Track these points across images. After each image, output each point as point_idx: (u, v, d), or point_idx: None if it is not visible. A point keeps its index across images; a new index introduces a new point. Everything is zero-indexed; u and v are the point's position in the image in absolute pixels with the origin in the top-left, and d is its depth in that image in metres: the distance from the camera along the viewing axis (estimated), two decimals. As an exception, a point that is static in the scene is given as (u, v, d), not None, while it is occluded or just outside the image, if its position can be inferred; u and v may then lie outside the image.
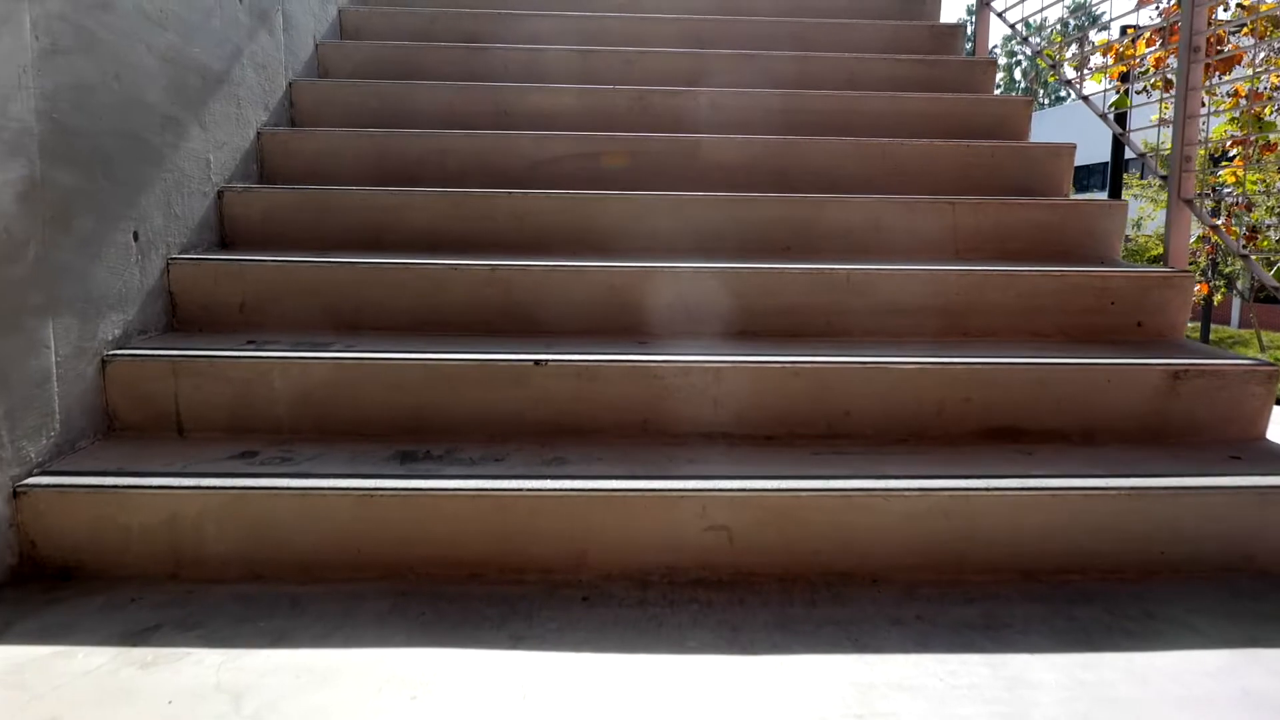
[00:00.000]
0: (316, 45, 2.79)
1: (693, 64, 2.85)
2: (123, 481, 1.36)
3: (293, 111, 2.55)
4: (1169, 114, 2.11)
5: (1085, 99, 2.57)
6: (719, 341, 1.80)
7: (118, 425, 1.59)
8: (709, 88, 2.64)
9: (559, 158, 2.35)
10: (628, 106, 2.59)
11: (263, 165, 2.33)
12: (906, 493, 1.38)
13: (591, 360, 1.61)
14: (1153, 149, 2.30)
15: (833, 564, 1.38)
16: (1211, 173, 6.06)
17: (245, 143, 2.23)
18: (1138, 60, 5.17)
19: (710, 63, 2.85)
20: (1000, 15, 3.06)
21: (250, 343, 1.73)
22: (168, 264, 1.81)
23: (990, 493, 1.39)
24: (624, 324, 1.85)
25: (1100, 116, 2.50)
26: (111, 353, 1.59)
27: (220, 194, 2.07)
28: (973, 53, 3.24)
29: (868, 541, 1.38)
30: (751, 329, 1.86)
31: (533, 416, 1.61)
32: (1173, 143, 2.03)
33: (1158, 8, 6.10)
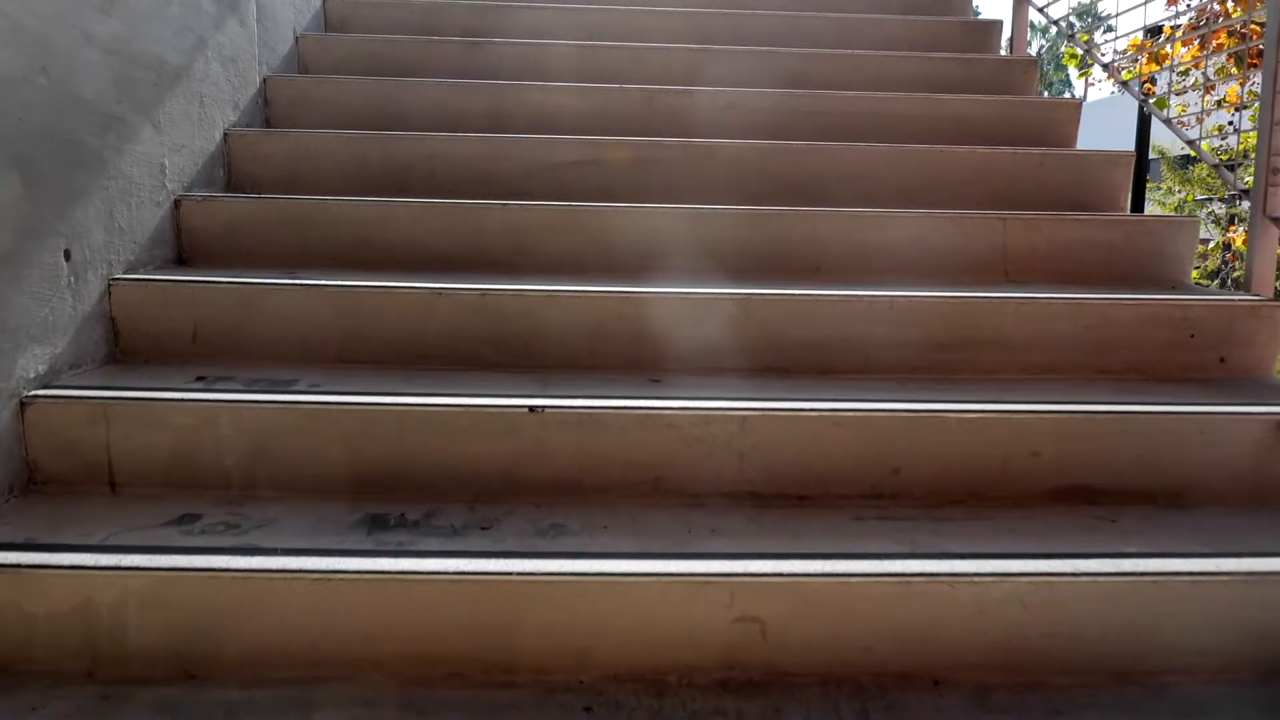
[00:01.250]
0: (297, 38, 2.55)
1: (705, 61, 2.61)
2: (28, 559, 1.12)
3: (267, 111, 2.32)
4: (1222, 116, 1.89)
5: (1143, 100, 2.33)
6: (743, 380, 1.56)
7: (39, 479, 1.36)
8: (724, 87, 2.40)
9: (560, 164, 2.11)
10: (636, 107, 2.35)
11: (230, 171, 2.09)
12: (976, 578, 1.15)
13: (597, 407, 1.37)
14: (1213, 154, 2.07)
15: (886, 663, 1.14)
16: None
17: (210, 145, 1.99)
18: (1172, 60, 4.93)
19: (725, 60, 2.61)
20: (1042, 10, 2.82)
21: (200, 379, 1.49)
22: (109, 286, 1.57)
23: (1078, 578, 1.15)
24: (633, 358, 1.62)
25: (1165, 122, 2.26)
26: (33, 393, 1.36)
27: (177, 203, 1.83)
28: (1010, 51, 3.00)
29: (928, 636, 1.14)
30: (779, 364, 1.62)
31: (527, 472, 1.37)
32: (1257, 152, 1.79)
33: (1187, 5, 5.86)
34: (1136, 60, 4.19)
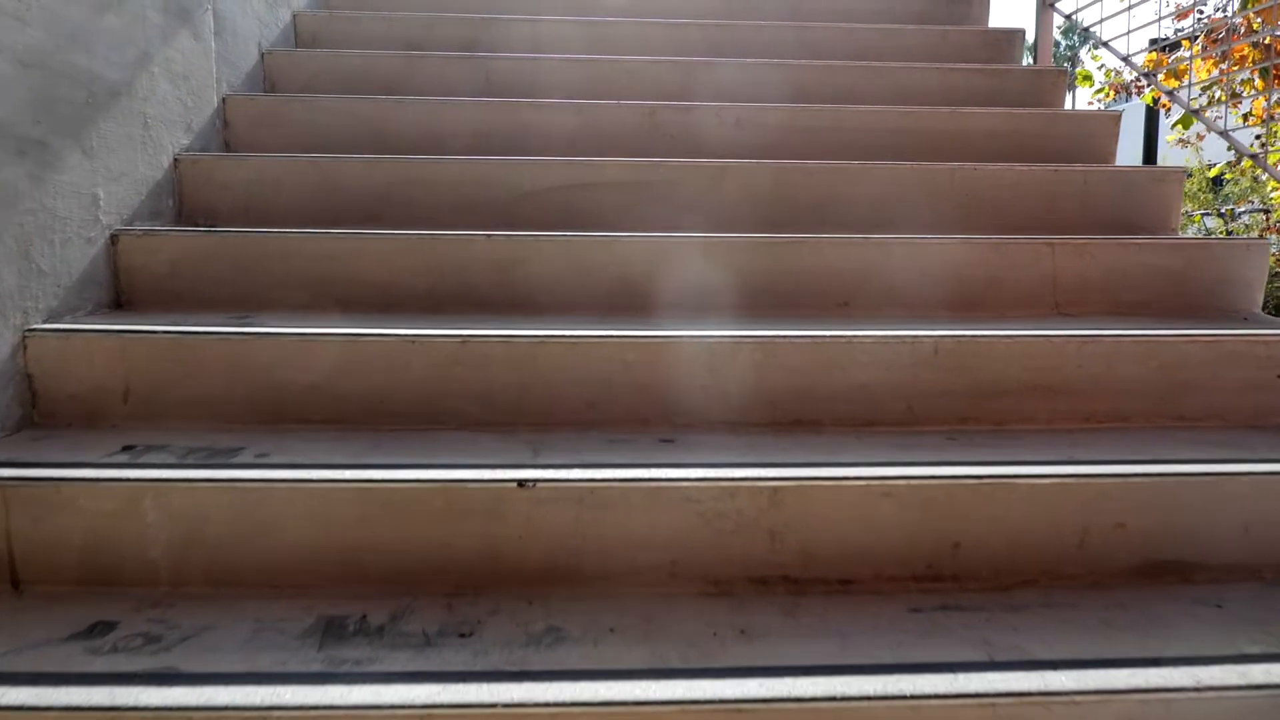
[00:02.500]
0: (263, 54, 2.36)
1: (710, 74, 2.43)
2: (-118, 699, 0.90)
3: (226, 133, 2.11)
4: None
5: (1194, 113, 2.15)
6: (769, 438, 1.35)
7: (-76, 578, 1.13)
8: (731, 101, 2.21)
9: (552, 188, 1.91)
10: (636, 124, 2.16)
11: (181, 201, 1.88)
12: (1077, 697, 0.93)
13: (599, 480, 1.15)
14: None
15: (967, 807, 0.92)
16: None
17: (156, 172, 1.79)
18: (1188, 72, 4.80)
19: (731, 73, 2.43)
20: (1069, 17, 2.65)
21: (126, 450, 1.27)
22: (23, 338, 1.36)
23: (1201, 694, 0.94)
24: (641, 413, 1.40)
25: (1221, 134, 2.08)
26: (-82, 473, 1.14)
27: (114, 239, 1.62)
28: (1034, 61, 2.83)
29: (1019, 770, 0.92)
30: (810, 417, 1.41)
31: (516, 560, 1.15)
32: (1339, 167, 1.60)
33: (1199, 18, 5.75)
34: (1151, 75, 4.05)
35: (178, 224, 1.87)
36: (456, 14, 2.68)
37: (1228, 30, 5.46)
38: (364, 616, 1.08)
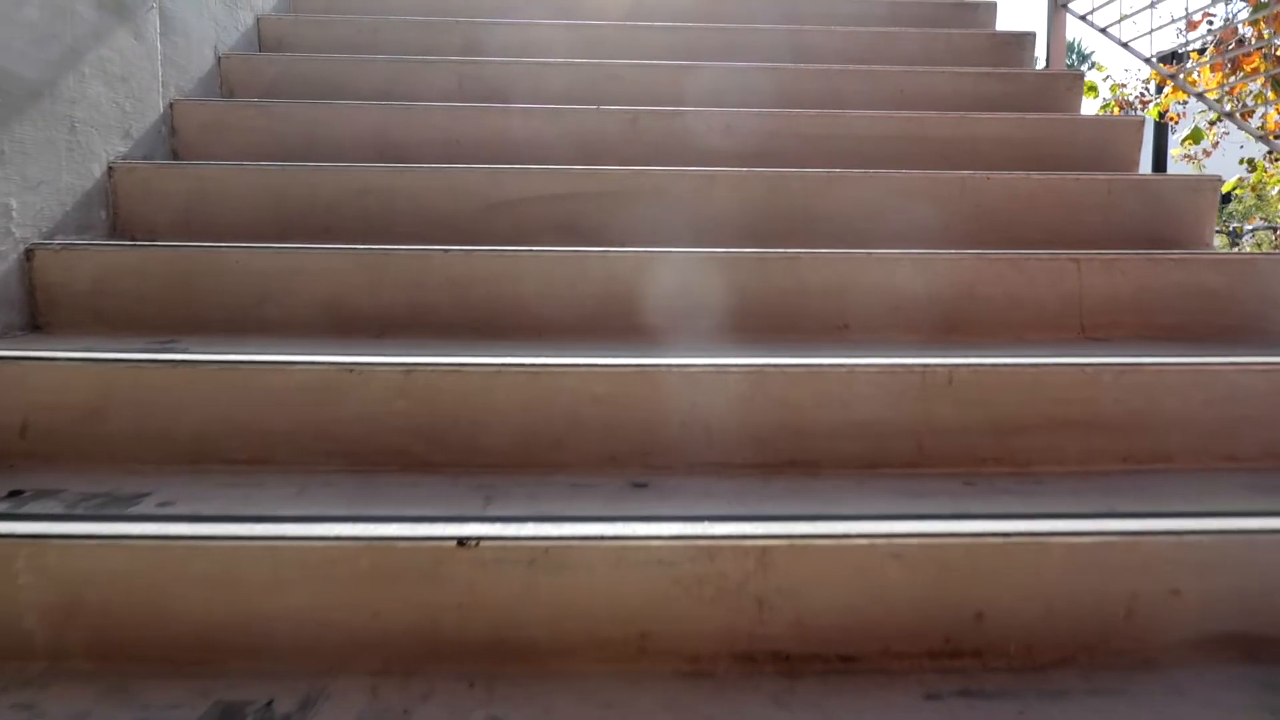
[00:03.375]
0: (219, 58, 2.21)
1: (698, 79, 2.28)
2: None
3: (174, 141, 1.97)
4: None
5: (1226, 115, 2.00)
6: (758, 482, 1.18)
7: None
8: (720, 107, 2.06)
9: (523, 199, 1.76)
10: (616, 131, 2.01)
11: (115, 213, 1.73)
12: (1136, 821, 0.75)
13: (555, 538, 0.98)
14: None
15: None
16: None
17: (85, 181, 1.63)
18: (1197, 86, 4.67)
19: (722, 78, 2.28)
20: (1084, 18, 2.51)
21: (12, 496, 1.10)
22: (-97, 367, 1.20)
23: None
24: (611, 453, 1.23)
25: (1259, 138, 1.93)
26: None
27: (29, 254, 1.46)
28: (1047, 65, 2.69)
29: None
30: (805, 458, 1.24)
31: (454, 632, 0.98)
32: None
33: (1209, 29, 5.63)
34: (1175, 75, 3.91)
35: (111, 238, 1.72)
36: (430, 17, 2.55)
37: (1238, 40, 5.35)
38: (269, 703, 0.91)
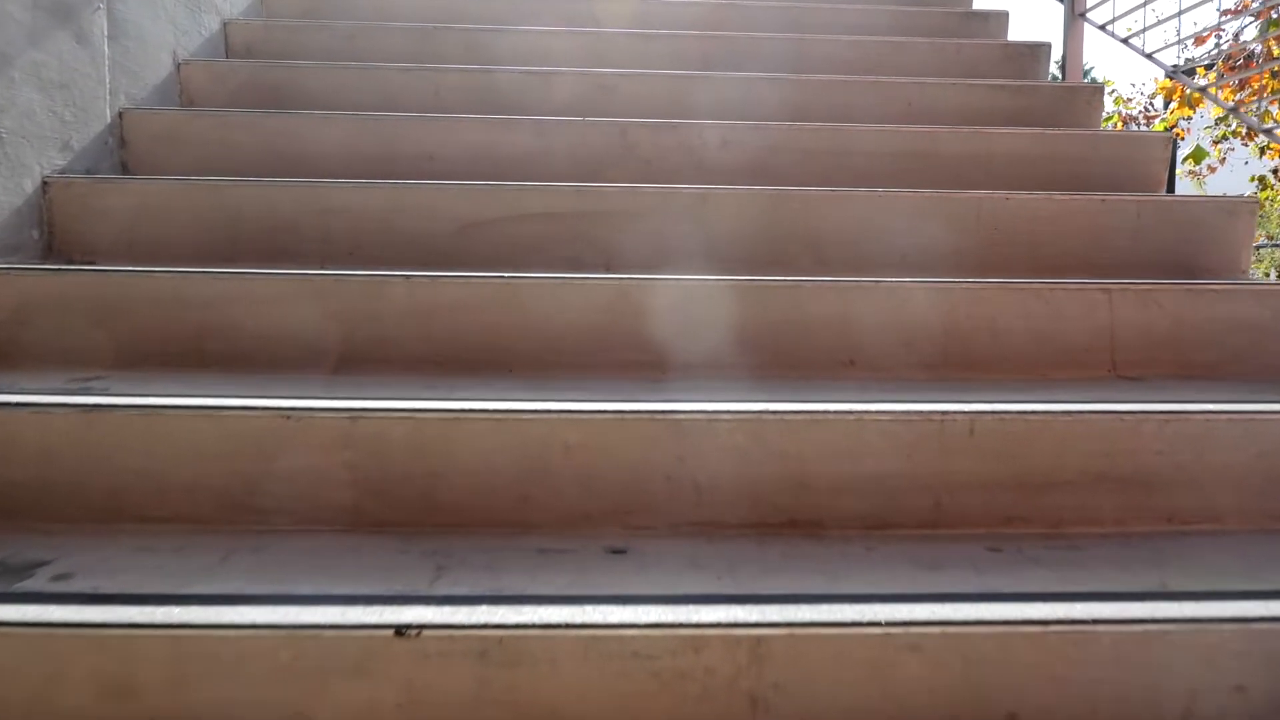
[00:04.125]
0: (179, 64, 2.09)
1: (697, 91, 2.16)
2: None
3: (123, 153, 1.84)
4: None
5: (1266, 133, 1.87)
6: (753, 548, 1.04)
7: None
8: (718, 120, 1.94)
9: (501, 219, 1.62)
10: (604, 146, 1.88)
11: (51, 232, 1.59)
12: None
13: (510, 626, 0.84)
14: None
15: None
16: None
17: (14, 198, 1.50)
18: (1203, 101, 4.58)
19: (720, 89, 2.16)
20: (1103, 28, 2.39)
21: (-114, 566, 0.96)
22: None
23: None
24: (587, 511, 1.09)
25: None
26: None
27: (-58, 279, 1.33)
28: (1063, 77, 2.57)
29: None
30: (808, 517, 1.10)
31: (392, 740, 0.83)
32: None
33: (1216, 44, 5.55)
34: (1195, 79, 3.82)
35: (46, 260, 1.59)
36: (409, 24, 2.43)
37: (1245, 57, 5.26)
38: (163, 833, 0.76)
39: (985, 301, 1.40)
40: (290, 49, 2.39)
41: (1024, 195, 1.66)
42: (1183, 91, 4.46)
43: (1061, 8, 2.58)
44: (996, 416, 1.12)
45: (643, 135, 1.90)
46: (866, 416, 1.11)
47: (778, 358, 1.38)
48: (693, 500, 1.10)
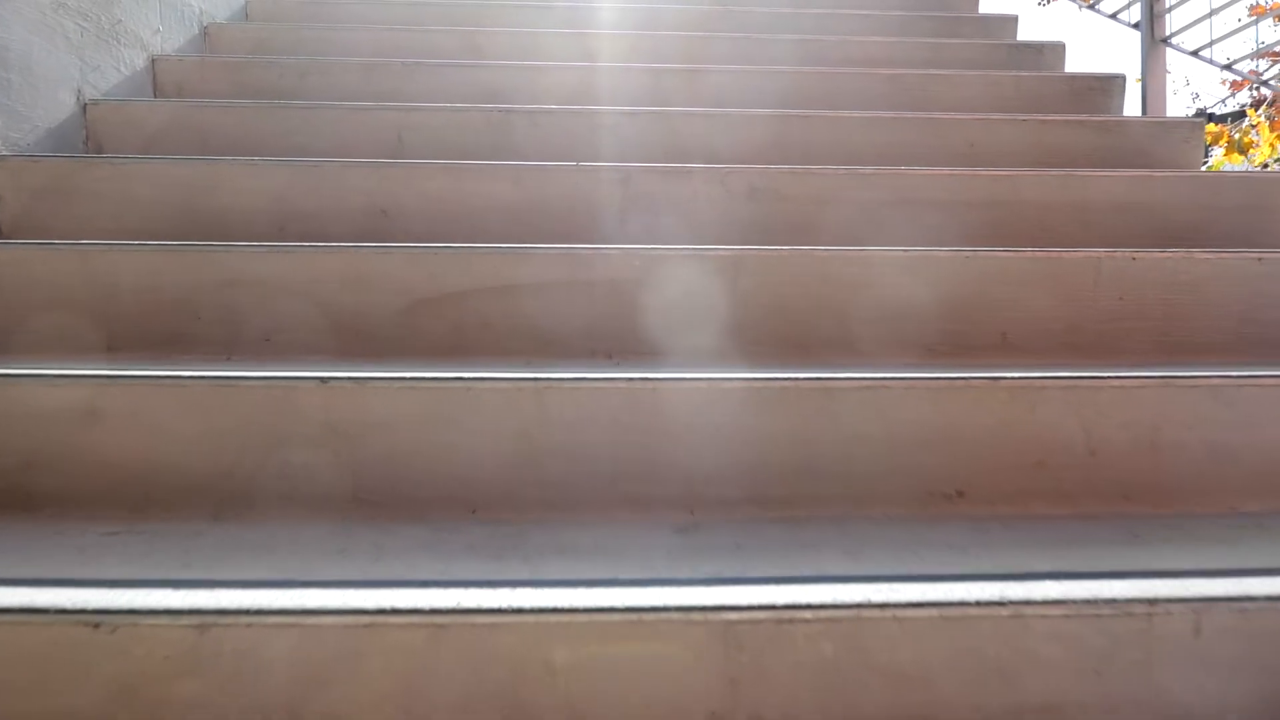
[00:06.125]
0: (85, 105, 1.74)
1: (711, 132, 1.81)
2: None
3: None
4: None
5: None
6: None
7: None
8: (738, 164, 1.58)
9: (462, 293, 1.25)
10: (602, 197, 1.52)
11: None
12: None
13: None
14: None
15: None
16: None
17: None
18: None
19: (738, 131, 1.81)
20: (1196, 54, 2.07)
21: None
22: None
23: None
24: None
25: None
26: None
27: None
28: (1144, 112, 2.25)
29: None
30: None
31: None
32: None
33: (1258, 88, 5.31)
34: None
35: None
36: (372, 59, 2.10)
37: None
38: None
39: (1140, 404, 1.01)
40: (231, 89, 2.05)
41: (1156, 254, 1.28)
42: (1229, 135, 4.16)
43: (1139, 34, 2.27)
44: (1233, 605, 0.72)
45: (648, 184, 1.54)
46: (1028, 612, 0.71)
47: (849, 492, 0.98)
48: (754, 757, 0.69)
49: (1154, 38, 2.22)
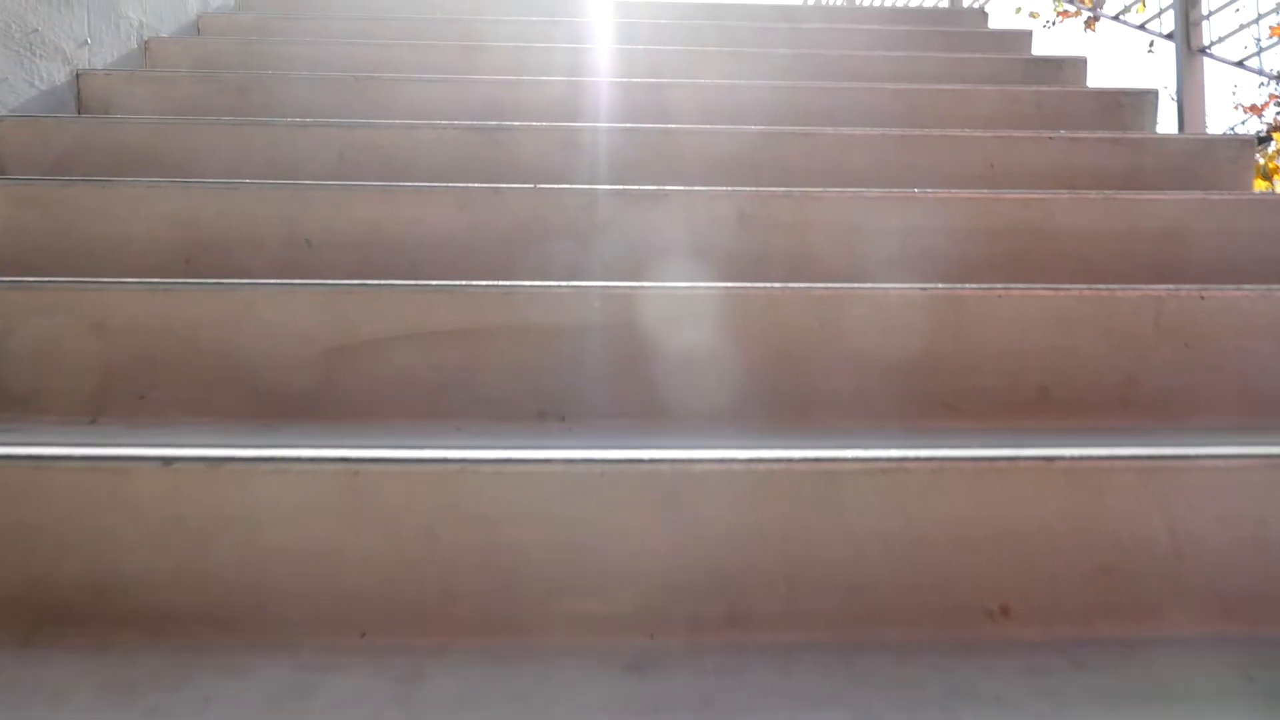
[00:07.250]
0: (-16, 121, 1.54)
1: (697, 147, 1.61)
2: None
3: None
4: None
5: None
6: None
7: None
8: (730, 186, 1.37)
9: (387, 339, 1.03)
10: (562, 224, 1.30)
11: None
12: None
13: None
14: None
15: None
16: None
17: None
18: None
19: (725, 147, 1.61)
20: (1241, 63, 1.87)
21: None
22: None
23: None
24: None
25: None
26: None
27: None
28: (1181, 128, 2.05)
29: None
30: None
31: None
32: None
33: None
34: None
35: None
36: (332, 73, 1.91)
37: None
38: None
39: (1235, 484, 0.78)
40: (164, 105, 1.86)
41: (1230, 291, 1.06)
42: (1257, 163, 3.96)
43: (1173, 45, 2.07)
44: None
45: (619, 208, 1.33)
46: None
47: (859, 609, 0.75)
48: None
49: (1190, 48, 2.03)
